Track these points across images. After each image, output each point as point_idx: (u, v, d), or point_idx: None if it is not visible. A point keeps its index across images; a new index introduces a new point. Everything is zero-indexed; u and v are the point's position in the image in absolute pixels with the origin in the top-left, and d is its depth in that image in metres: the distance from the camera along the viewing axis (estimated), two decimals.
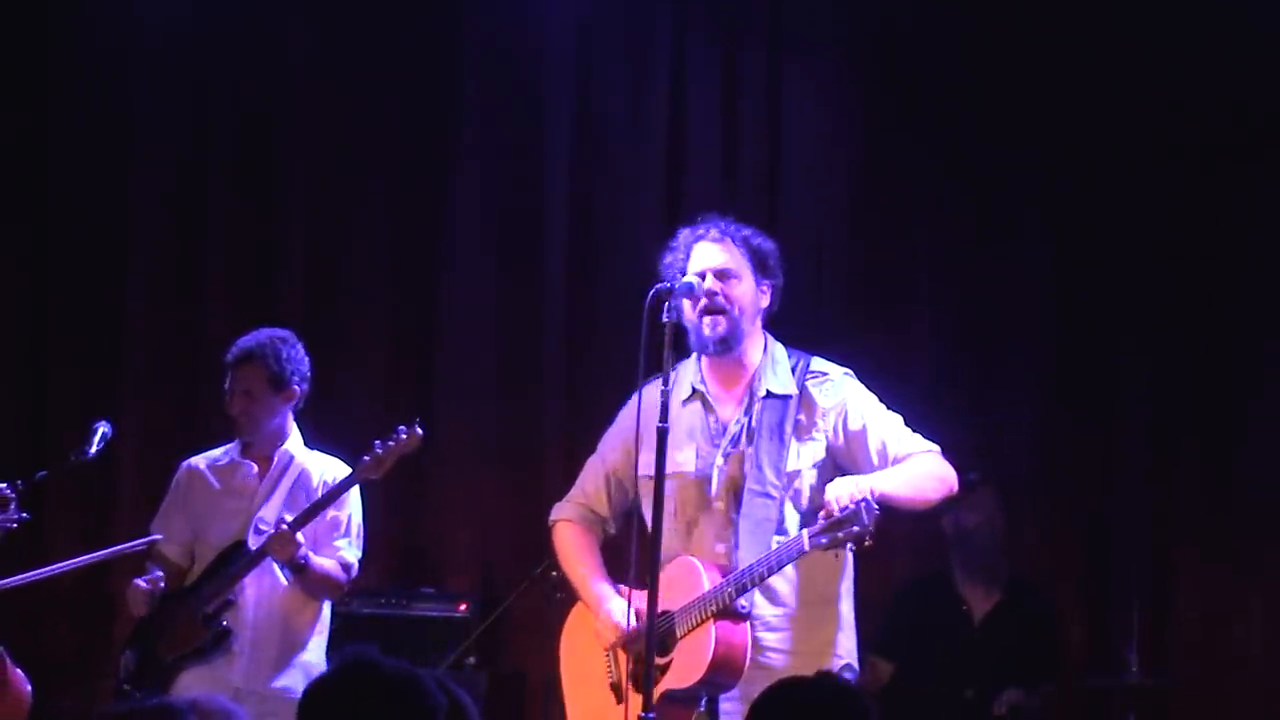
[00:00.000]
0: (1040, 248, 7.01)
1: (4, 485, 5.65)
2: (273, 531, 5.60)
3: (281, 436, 5.87)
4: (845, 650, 4.93)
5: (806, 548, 4.59)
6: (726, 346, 4.90)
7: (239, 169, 7.45)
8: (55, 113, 7.44)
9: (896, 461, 4.85)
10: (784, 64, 7.19)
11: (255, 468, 5.86)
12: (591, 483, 5.14)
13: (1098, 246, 6.95)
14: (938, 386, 7.01)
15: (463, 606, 6.82)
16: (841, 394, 4.91)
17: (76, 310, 7.41)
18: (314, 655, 5.77)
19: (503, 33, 7.36)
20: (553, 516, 5.22)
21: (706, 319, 4.88)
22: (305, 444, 5.92)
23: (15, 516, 5.66)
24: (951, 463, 4.77)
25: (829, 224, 7.14)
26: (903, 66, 7.09)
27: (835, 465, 4.91)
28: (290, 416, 5.87)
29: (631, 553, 4.84)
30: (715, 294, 4.87)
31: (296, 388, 5.82)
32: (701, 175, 7.12)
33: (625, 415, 5.08)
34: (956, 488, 4.94)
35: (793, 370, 4.93)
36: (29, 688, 5.83)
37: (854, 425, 4.89)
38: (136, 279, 7.41)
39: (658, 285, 4.82)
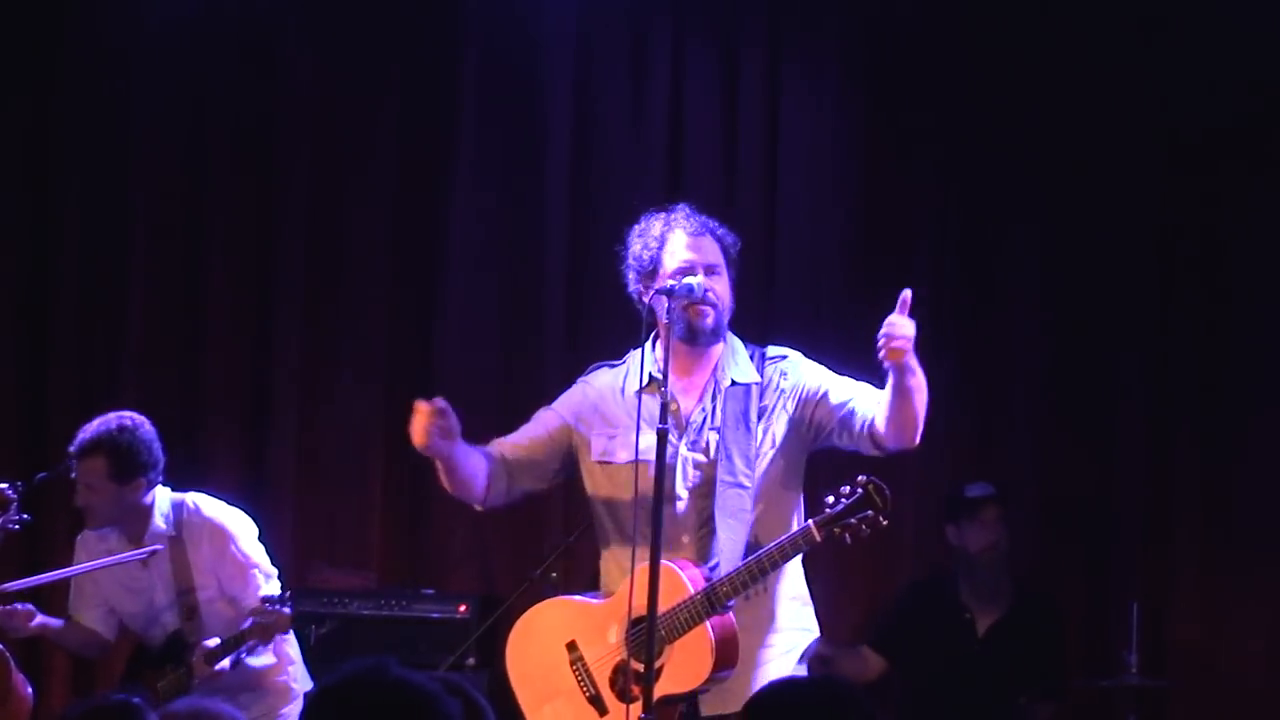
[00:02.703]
0: (1040, 249, 7.01)
1: (5, 486, 5.64)
2: (195, 660, 5.53)
3: (143, 515, 5.70)
4: (811, 625, 4.90)
5: (818, 538, 4.55)
6: (716, 338, 4.89)
7: (239, 169, 7.45)
8: (57, 111, 7.44)
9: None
10: (784, 64, 7.18)
11: (141, 558, 5.70)
12: (527, 433, 5.07)
13: (1098, 248, 6.95)
14: (936, 389, 6.99)
15: (463, 607, 6.81)
16: (798, 373, 4.88)
17: (77, 309, 7.41)
18: (265, 659, 5.76)
19: (502, 32, 7.36)
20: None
21: (696, 309, 4.84)
22: (175, 488, 5.79)
23: (16, 518, 5.66)
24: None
25: (828, 224, 7.14)
26: (903, 66, 7.08)
27: (800, 443, 4.87)
28: (148, 493, 5.69)
29: (634, 548, 4.80)
30: (707, 290, 4.86)
31: (143, 478, 5.65)
32: (702, 175, 7.12)
33: (569, 395, 5.07)
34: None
35: (751, 358, 4.92)
36: (30, 690, 5.84)
37: (812, 391, 4.84)
38: (137, 278, 7.41)
39: (658, 287, 4.82)
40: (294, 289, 7.39)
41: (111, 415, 5.69)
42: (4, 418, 7.35)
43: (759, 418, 4.84)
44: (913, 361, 4.70)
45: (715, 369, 4.91)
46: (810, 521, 4.57)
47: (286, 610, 5.52)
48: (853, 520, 4.49)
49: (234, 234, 7.44)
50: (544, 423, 5.07)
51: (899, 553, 6.91)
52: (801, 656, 4.85)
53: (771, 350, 4.95)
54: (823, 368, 4.93)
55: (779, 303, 6.99)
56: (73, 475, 5.66)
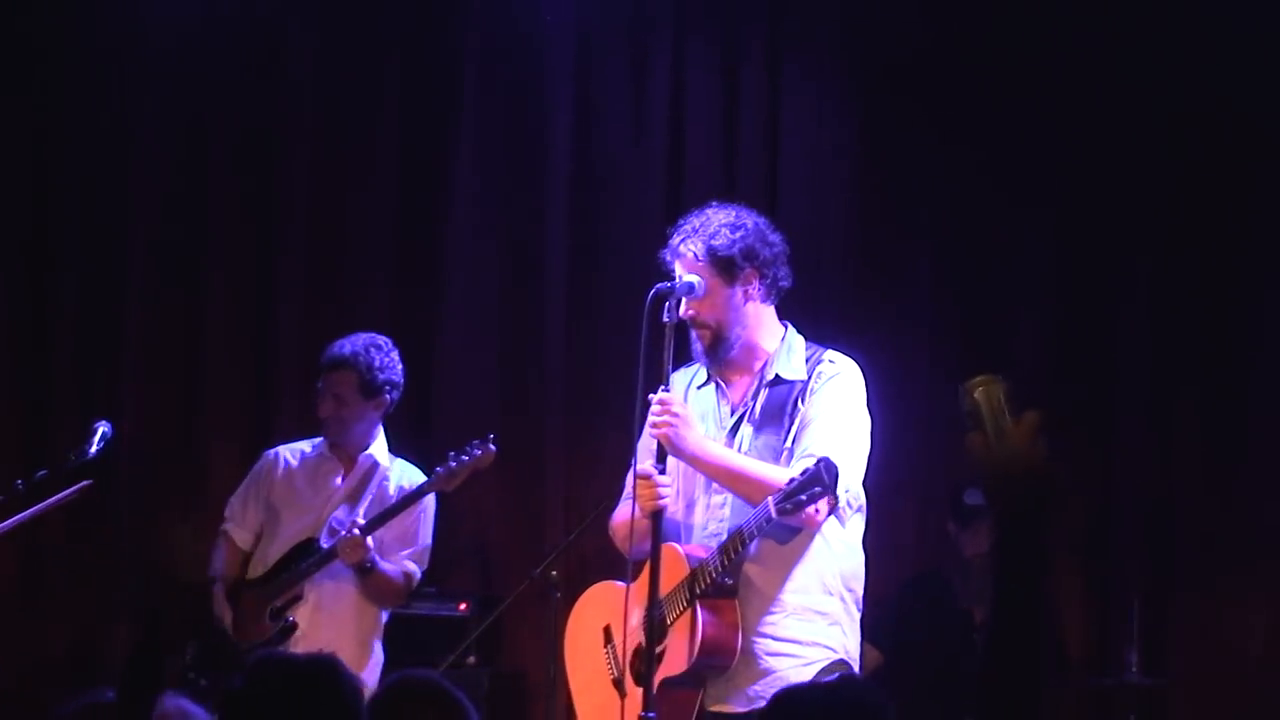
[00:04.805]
0: (1040, 248, 7.01)
1: None
2: (344, 534, 5.74)
3: (367, 441, 6.02)
4: (839, 646, 4.89)
5: (773, 514, 4.58)
6: (715, 356, 4.93)
7: (239, 170, 7.44)
8: (56, 112, 7.42)
9: (802, 455, 4.78)
10: (784, 64, 7.19)
11: (341, 468, 6.02)
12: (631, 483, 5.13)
13: (1098, 246, 6.95)
14: (937, 386, 7.01)
15: (463, 606, 6.82)
16: (825, 386, 4.88)
17: (76, 310, 7.40)
18: (373, 658, 5.93)
19: (503, 34, 7.36)
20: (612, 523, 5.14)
21: (694, 332, 4.93)
22: (390, 450, 6.09)
23: None
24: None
25: (829, 225, 7.14)
26: (902, 67, 7.08)
27: None
28: (378, 422, 6.02)
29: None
30: (691, 314, 4.89)
31: (387, 396, 5.98)
32: (702, 176, 7.12)
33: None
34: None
35: (807, 359, 4.94)
36: None
37: (805, 410, 4.86)
38: (136, 278, 7.40)
39: (658, 285, 4.84)
40: (295, 289, 7.39)
41: (361, 335, 6.00)
42: (4, 418, 7.34)
43: (792, 414, 4.86)
44: (680, 443, 4.79)
45: (764, 365, 4.95)
46: (768, 499, 4.61)
47: (491, 448, 5.78)
48: (803, 497, 4.54)
49: (235, 235, 7.43)
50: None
51: (900, 551, 6.91)
52: (819, 673, 4.82)
53: (829, 354, 4.95)
54: (843, 400, 4.88)
55: (779, 301, 6.97)
56: (318, 385, 5.98)
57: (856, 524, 4.90)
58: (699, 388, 4.97)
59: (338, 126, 7.45)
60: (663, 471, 4.77)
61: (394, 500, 5.91)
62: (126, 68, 7.44)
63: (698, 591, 4.71)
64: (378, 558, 5.80)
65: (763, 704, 4.69)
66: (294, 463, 6.08)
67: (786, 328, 5.01)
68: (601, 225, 7.29)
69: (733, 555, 4.69)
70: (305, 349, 7.36)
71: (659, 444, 4.78)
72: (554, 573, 6.19)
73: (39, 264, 7.42)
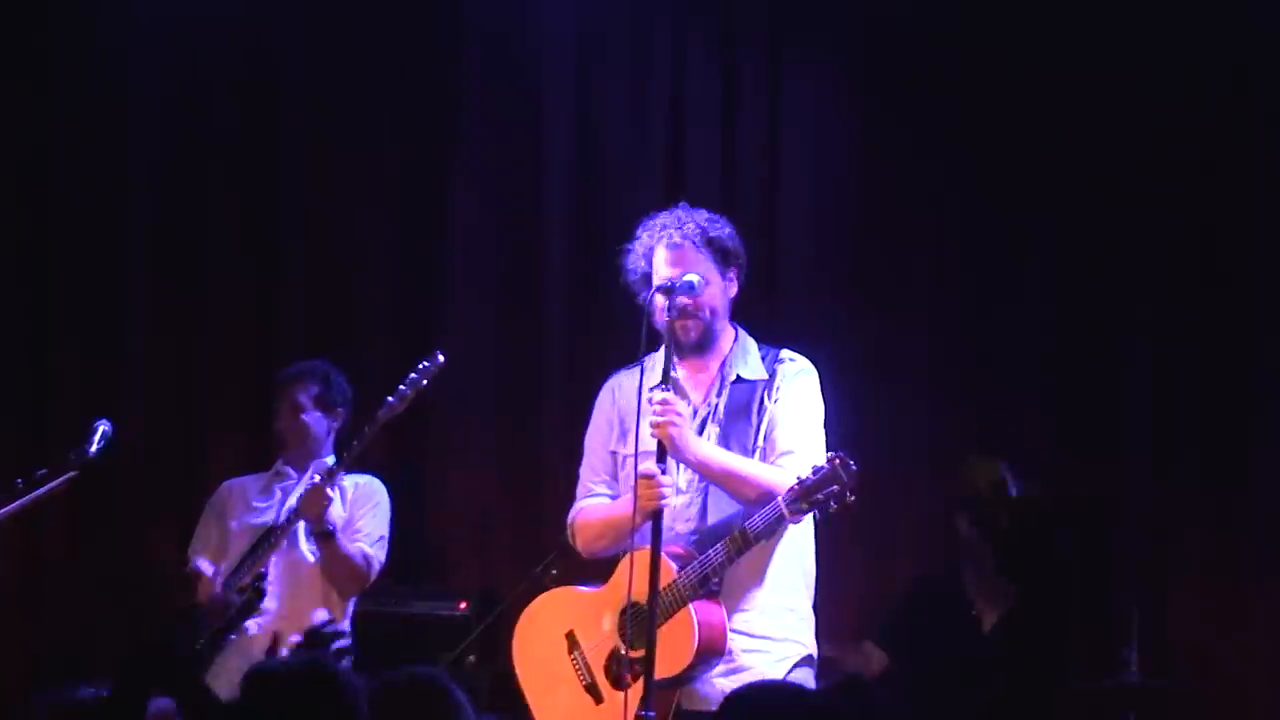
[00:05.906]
0: (1042, 255, 7.01)
1: None
2: (308, 485, 5.87)
3: (320, 453, 6.16)
4: (809, 642, 4.92)
5: (785, 514, 4.59)
6: (702, 350, 4.93)
7: (241, 170, 7.45)
8: (56, 112, 7.43)
9: (779, 452, 4.82)
10: (784, 66, 7.19)
11: (293, 476, 6.14)
12: (592, 481, 5.12)
13: (1101, 248, 6.95)
14: (937, 390, 7.01)
15: (463, 606, 6.82)
16: (790, 383, 4.91)
17: (77, 310, 7.40)
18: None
19: (503, 35, 7.36)
20: (568, 520, 5.15)
21: (679, 324, 4.88)
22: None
23: None
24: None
25: (829, 226, 7.15)
26: (903, 68, 7.09)
27: None
28: (331, 437, 6.17)
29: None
30: (688, 304, 4.88)
31: (340, 410, 6.16)
32: (702, 175, 7.13)
33: (601, 403, 5.11)
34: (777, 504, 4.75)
35: (763, 359, 4.96)
36: None
37: (773, 408, 4.87)
38: (137, 278, 7.40)
39: (658, 284, 4.83)
40: (295, 289, 7.40)
41: (316, 360, 6.28)
42: (5, 418, 7.34)
43: (759, 412, 4.87)
44: (683, 443, 4.76)
45: (724, 365, 4.94)
46: (779, 498, 4.60)
47: (440, 357, 5.90)
48: (819, 496, 4.54)
49: (236, 235, 7.44)
50: (606, 467, 5.08)
51: (896, 551, 6.91)
52: (792, 668, 4.86)
53: (785, 353, 4.98)
54: (804, 394, 4.91)
55: (779, 303, 6.98)
56: (275, 404, 6.20)
57: (809, 522, 4.89)
58: (652, 389, 4.88)
59: (338, 128, 7.45)
60: (664, 471, 4.74)
61: (345, 500, 6.00)
62: (127, 69, 7.45)
63: (689, 594, 4.69)
64: (337, 527, 5.89)
65: None
66: (248, 483, 6.23)
67: (738, 329, 5.01)
68: (602, 225, 7.28)
69: (736, 556, 4.69)
70: (306, 350, 7.36)
71: (659, 443, 4.74)
72: (554, 571, 6.18)
73: (39, 264, 7.43)
